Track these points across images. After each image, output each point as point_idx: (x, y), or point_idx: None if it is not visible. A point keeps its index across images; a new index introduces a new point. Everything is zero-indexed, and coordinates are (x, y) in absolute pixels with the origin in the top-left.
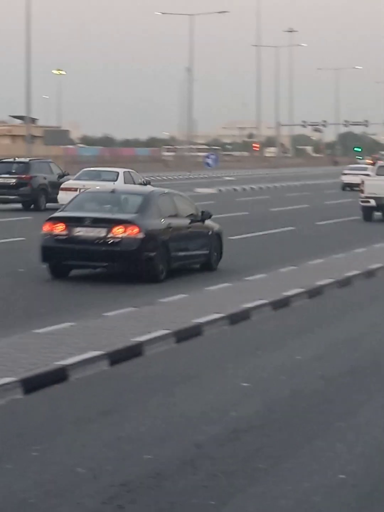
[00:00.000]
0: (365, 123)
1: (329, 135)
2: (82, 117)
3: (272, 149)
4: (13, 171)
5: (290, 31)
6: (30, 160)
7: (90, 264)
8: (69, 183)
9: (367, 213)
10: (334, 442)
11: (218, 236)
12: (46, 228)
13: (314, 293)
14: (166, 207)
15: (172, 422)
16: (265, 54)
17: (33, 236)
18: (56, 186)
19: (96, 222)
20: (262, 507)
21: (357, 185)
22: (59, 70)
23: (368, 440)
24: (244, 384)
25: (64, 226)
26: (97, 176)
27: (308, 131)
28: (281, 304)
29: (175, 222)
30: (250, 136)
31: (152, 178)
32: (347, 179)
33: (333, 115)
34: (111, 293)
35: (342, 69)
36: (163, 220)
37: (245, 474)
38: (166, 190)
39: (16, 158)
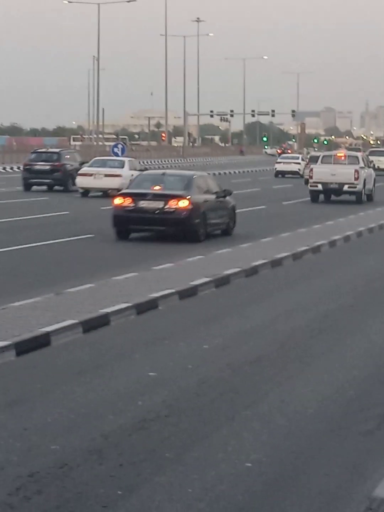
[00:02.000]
0: (272, 113)
1: (236, 125)
2: None
3: (180, 138)
4: (47, 159)
5: (198, 21)
6: (60, 150)
7: (151, 228)
8: (84, 169)
9: (314, 195)
10: (240, 430)
11: (233, 209)
12: (116, 201)
13: (221, 282)
14: (202, 186)
15: (79, 412)
16: (173, 44)
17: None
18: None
19: (156, 197)
20: (169, 496)
21: (289, 172)
22: None
23: (273, 429)
24: (151, 374)
25: (131, 200)
26: (106, 164)
27: (215, 121)
28: (189, 293)
29: (208, 197)
30: (158, 125)
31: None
32: (280, 167)
33: (240, 104)
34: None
35: (249, 59)
36: (201, 195)
37: (152, 463)
38: (201, 173)
39: (49, 149)
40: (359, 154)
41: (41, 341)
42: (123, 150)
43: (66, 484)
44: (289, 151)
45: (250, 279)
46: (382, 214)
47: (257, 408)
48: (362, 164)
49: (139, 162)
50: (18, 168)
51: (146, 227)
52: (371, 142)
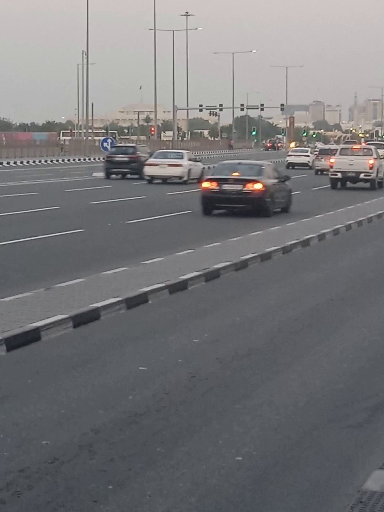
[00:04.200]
0: (261, 107)
1: (225, 119)
2: None
3: (169, 133)
4: (125, 152)
5: (186, 15)
6: (135, 145)
7: (232, 206)
8: (151, 160)
9: (334, 183)
10: (230, 424)
11: (290, 191)
12: (204, 185)
13: (211, 276)
14: (269, 172)
15: (69, 407)
16: (162, 38)
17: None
18: None
19: (236, 181)
20: (159, 490)
21: (299, 164)
22: None
23: (263, 422)
24: (142, 368)
25: (216, 183)
26: (168, 156)
27: (205, 115)
28: (179, 287)
29: (274, 181)
30: (148, 120)
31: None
32: (291, 159)
33: (229, 98)
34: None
35: (238, 53)
36: (270, 180)
37: (143, 457)
38: (268, 163)
39: (125, 143)
40: (373, 147)
41: (31, 336)
42: (112, 145)
43: (57, 479)
44: (278, 145)
45: (240, 272)
46: None
47: (247, 401)
48: (375, 155)
49: (193, 154)
50: (8, 163)
51: (228, 205)
52: (361, 135)
